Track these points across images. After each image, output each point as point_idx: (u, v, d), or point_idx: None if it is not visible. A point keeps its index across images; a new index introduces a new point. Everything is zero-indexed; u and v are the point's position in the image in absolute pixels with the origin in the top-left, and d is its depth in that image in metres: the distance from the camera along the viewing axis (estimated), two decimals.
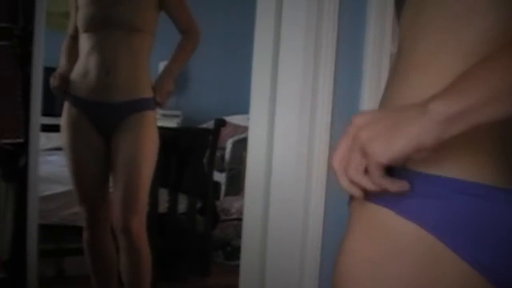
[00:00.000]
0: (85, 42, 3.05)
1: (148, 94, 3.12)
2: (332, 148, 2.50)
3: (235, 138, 5.85)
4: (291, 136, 2.49)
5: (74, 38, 3.14)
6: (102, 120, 3.04)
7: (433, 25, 0.88)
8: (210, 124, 4.84)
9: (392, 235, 0.90)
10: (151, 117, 3.11)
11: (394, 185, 0.87)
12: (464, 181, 0.87)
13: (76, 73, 3.06)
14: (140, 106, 3.08)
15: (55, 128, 3.29)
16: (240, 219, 3.83)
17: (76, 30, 3.12)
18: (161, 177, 4.17)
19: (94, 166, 3.08)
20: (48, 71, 3.18)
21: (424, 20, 0.89)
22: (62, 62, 3.13)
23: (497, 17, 0.85)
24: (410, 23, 0.92)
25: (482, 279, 0.87)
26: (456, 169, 0.88)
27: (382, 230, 0.91)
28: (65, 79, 3.05)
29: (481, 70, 0.79)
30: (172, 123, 6.20)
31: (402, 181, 0.88)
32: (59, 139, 3.17)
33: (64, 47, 3.17)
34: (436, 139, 0.81)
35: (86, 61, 3.03)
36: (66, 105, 3.07)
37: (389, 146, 0.83)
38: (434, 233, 0.87)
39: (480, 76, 0.79)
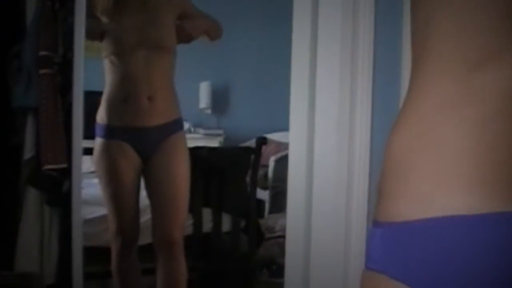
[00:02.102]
0: (118, 65, 3.11)
1: (178, 114, 3.24)
2: (372, 162, 2.50)
3: (278, 155, 5.84)
4: (331, 152, 2.48)
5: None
6: (143, 144, 3.12)
7: (439, 34, 0.87)
8: (252, 143, 4.84)
9: None
10: (184, 137, 3.28)
11: None
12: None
13: (114, 98, 3.12)
14: (176, 127, 3.21)
15: None
16: (284, 237, 3.82)
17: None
18: (204, 197, 4.19)
19: (135, 193, 3.17)
20: (88, 94, 3.25)
21: (431, 29, 0.88)
22: None
23: (503, 29, 0.83)
24: (417, 33, 0.90)
25: None
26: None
27: None
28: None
29: None
30: (214, 143, 6.23)
31: None
32: None
33: None
34: None
35: (124, 85, 3.09)
36: (100, 141, 3.15)
37: None
38: None
39: None
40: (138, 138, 3.12)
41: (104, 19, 3.12)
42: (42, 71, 3.01)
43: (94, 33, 3.14)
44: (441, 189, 0.83)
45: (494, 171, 0.82)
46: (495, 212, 0.81)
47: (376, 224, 0.90)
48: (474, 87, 0.83)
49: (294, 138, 2.69)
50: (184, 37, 3.26)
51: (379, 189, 0.91)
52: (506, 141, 0.82)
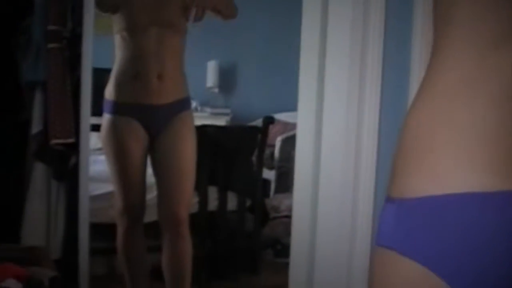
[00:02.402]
0: (130, 41, 3.09)
1: (186, 93, 3.23)
2: (380, 144, 2.49)
3: (284, 135, 5.84)
4: (339, 133, 2.47)
5: None
6: (151, 121, 3.11)
7: (461, 12, 0.87)
8: (259, 122, 4.84)
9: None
10: (191, 116, 3.28)
11: None
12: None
13: (123, 75, 3.10)
14: (183, 105, 3.21)
15: None
16: (289, 217, 3.82)
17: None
18: (210, 175, 4.19)
19: (141, 170, 3.17)
20: (97, 72, 3.24)
21: (451, 13, 0.88)
22: None
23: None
24: (439, 17, 0.90)
25: None
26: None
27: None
28: None
29: None
30: (221, 122, 6.23)
31: None
32: None
33: None
34: None
35: (135, 62, 3.08)
36: (108, 117, 3.13)
37: None
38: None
39: None
40: (147, 115, 3.11)
41: None
42: (50, 46, 3.01)
43: (106, 4, 3.11)
44: (457, 166, 0.83)
45: (507, 149, 0.81)
46: (507, 190, 0.80)
47: (388, 200, 0.90)
48: (491, 64, 0.83)
49: (303, 118, 2.68)
50: (196, 13, 3.20)
51: (394, 165, 0.91)
52: None
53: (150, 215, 3.42)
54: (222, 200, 4.28)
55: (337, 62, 2.48)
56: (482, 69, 0.83)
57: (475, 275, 0.82)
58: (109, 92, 3.14)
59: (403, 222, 0.86)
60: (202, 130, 3.96)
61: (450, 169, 0.83)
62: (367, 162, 2.46)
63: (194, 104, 5.59)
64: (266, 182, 4.97)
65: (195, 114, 3.56)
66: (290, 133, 5.67)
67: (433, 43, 0.92)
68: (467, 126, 0.83)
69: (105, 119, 3.14)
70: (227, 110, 6.63)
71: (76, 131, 3.08)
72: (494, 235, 0.80)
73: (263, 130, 4.44)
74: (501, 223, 0.80)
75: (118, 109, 3.11)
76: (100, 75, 3.34)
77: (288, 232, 4.02)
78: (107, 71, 3.19)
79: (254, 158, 4.44)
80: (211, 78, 6.70)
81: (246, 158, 4.37)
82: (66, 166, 3.12)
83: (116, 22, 3.11)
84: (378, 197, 2.41)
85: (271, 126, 4.60)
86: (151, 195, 3.43)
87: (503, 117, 0.82)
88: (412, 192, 0.85)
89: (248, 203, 4.39)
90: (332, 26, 2.49)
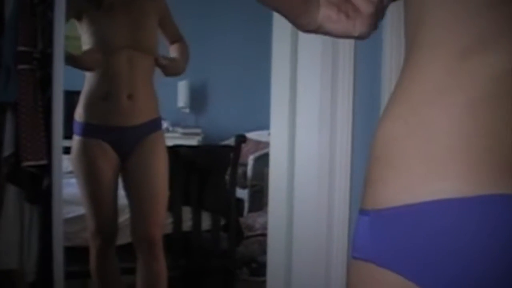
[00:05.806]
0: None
1: (157, 113, 3.24)
2: (353, 159, 2.51)
3: (257, 154, 5.85)
4: (312, 150, 2.48)
5: None
6: (121, 143, 3.11)
7: (431, 21, 0.87)
8: (231, 141, 4.84)
9: None
10: (163, 136, 3.28)
11: None
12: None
13: (93, 96, 3.10)
14: (155, 126, 3.20)
15: None
16: (264, 235, 3.82)
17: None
18: (184, 195, 4.18)
19: (113, 192, 3.16)
20: (68, 94, 3.22)
21: (424, 17, 0.89)
22: None
23: (493, 16, 0.84)
24: (410, 24, 0.91)
25: None
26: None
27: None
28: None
29: None
30: (192, 142, 6.22)
31: None
32: None
33: None
34: None
35: (105, 83, 3.07)
36: (78, 139, 3.12)
37: None
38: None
39: None
40: (117, 137, 3.10)
41: (86, 18, 3.10)
42: (20, 67, 2.98)
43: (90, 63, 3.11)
44: (430, 173, 0.83)
45: (482, 155, 0.82)
46: (483, 194, 0.80)
47: (362, 212, 0.90)
48: (463, 72, 0.83)
49: (275, 136, 2.69)
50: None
51: (366, 178, 0.91)
52: (494, 125, 0.82)
53: (124, 237, 3.39)
54: (196, 220, 4.26)
55: (309, 79, 2.49)
56: (455, 76, 0.84)
57: (454, 282, 0.82)
58: (79, 113, 3.13)
59: (379, 233, 0.85)
60: (174, 151, 3.94)
61: (424, 176, 0.83)
62: (341, 178, 2.47)
63: (165, 124, 5.57)
64: (240, 201, 4.96)
65: (166, 134, 3.55)
66: (262, 152, 5.68)
67: (405, 52, 0.93)
68: (440, 132, 0.83)
69: (75, 141, 3.13)
70: (198, 130, 6.63)
71: (48, 153, 3.05)
72: (472, 240, 0.81)
73: (236, 149, 4.44)
74: (478, 228, 0.80)
75: (88, 130, 3.09)
76: (73, 97, 3.32)
77: (263, 251, 4.02)
78: (79, 93, 3.17)
79: (227, 177, 4.44)
80: (182, 98, 6.70)
81: (219, 178, 4.37)
82: (38, 188, 3.09)
83: (86, 41, 3.11)
84: (353, 212, 2.43)
85: (242, 145, 4.61)
86: (124, 217, 3.41)
87: (477, 123, 0.82)
88: (386, 202, 0.85)
89: (223, 222, 4.38)
90: (303, 45, 2.51)
